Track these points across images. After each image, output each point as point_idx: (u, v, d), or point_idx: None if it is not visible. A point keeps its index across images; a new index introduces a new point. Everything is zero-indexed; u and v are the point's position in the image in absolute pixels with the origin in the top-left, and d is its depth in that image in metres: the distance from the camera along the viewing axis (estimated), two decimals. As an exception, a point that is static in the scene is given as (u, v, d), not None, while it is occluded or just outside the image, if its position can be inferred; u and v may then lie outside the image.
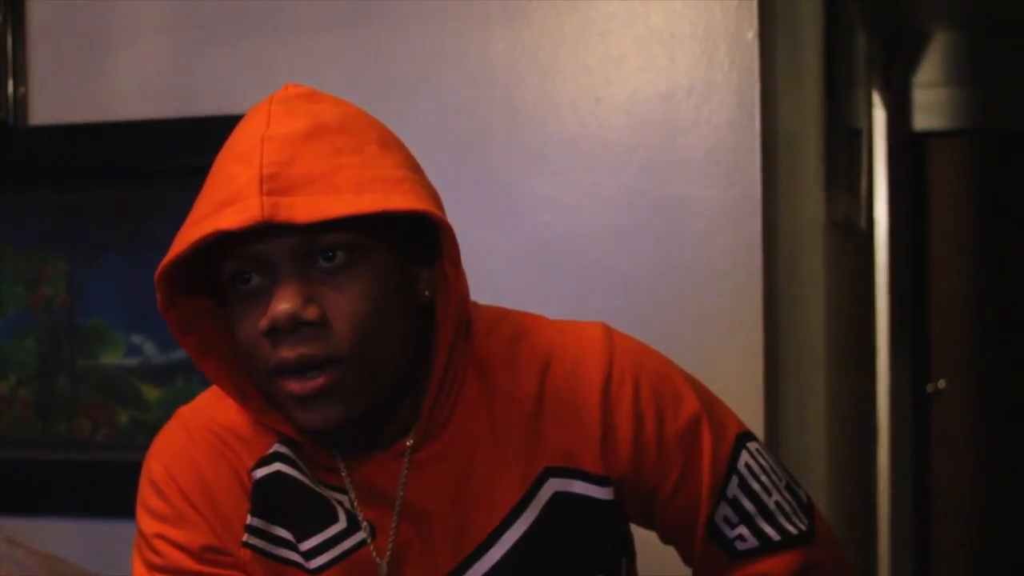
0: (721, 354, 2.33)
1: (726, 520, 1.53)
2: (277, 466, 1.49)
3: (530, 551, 1.48)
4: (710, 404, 1.56)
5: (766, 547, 1.54)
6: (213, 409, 1.54)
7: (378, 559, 1.47)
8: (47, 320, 2.94)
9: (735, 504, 1.53)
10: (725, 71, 2.40)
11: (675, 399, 1.52)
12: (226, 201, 1.29)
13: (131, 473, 2.74)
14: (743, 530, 1.53)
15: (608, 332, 1.53)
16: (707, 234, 2.39)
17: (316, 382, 1.32)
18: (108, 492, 2.81)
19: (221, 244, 1.32)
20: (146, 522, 1.54)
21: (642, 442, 1.49)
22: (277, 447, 1.50)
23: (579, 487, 1.48)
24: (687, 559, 1.60)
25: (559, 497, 1.48)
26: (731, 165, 2.39)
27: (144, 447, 2.77)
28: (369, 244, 1.34)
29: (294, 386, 1.33)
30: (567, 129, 2.46)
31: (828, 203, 2.90)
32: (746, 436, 1.57)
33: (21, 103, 2.80)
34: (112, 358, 2.90)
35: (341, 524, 1.48)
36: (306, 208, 1.28)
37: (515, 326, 1.53)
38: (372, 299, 1.34)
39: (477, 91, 2.51)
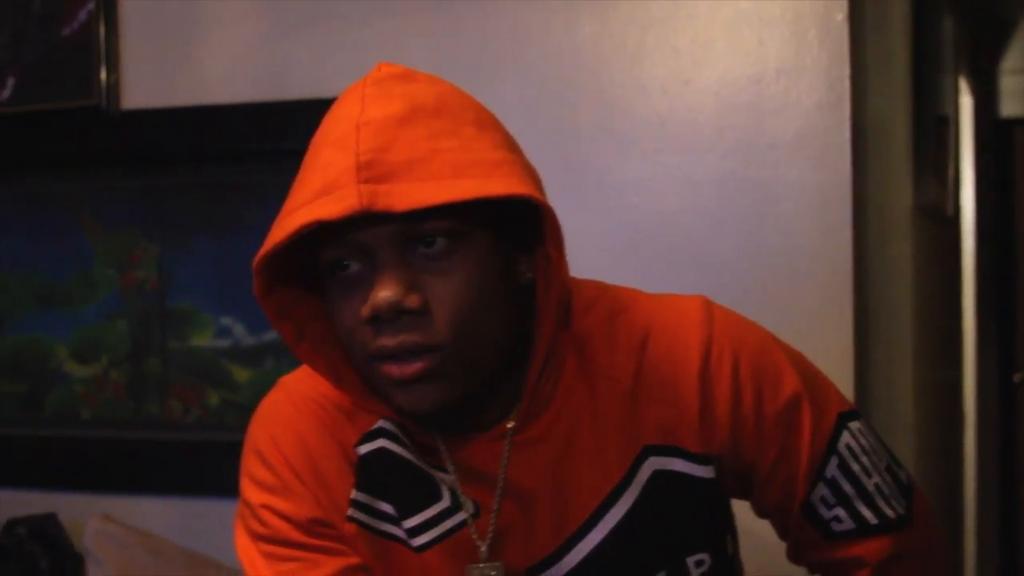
0: (810, 337, 2.31)
1: (823, 500, 1.51)
2: (381, 442, 1.48)
3: (632, 531, 1.47)
4: (812, 381, 1.53)
5: (862, 530, 1.52)
6: (317, 380, 1.50)
7: (478, 541, 1.47)
8: (139, 302, 2.98)
9: (833, 485, 1.50)
10: (814, 53, 2.39)
11: (775, 376, 1.49)
12: (323, 189, 1.28)
13: (221, 453, 2.80)
14: (840, 511, 1.51)
15: (707, 306, 1.50)
16: (796, 217, 2.39)
17: (415, 367, 1.31)
18: (199, 471, 2.86)
19: (318, 232, 1.30)
20: (251, 492, 1.54)
21: (740, 419, 1.46)
22: (382, 423, 1.48)
23: (679, 465, 1.47)
24: (782, 534, 1.59)
25: (659, 475, 1.47)
26: (820, 148, 2.38)
27: (234, 428, 2.84)
28: (469, 229, 1.32)
29: (393, 370, 1.32)
30: (656, 112, 2.46)
31: (916, 189, 2.87)
32: (848, 415, 1.54)
33: (114, 88, 2.84)
34: (202, 340, 2.94)
35: (445, 502, 1.47)
36: (404, 196, 1.26)
37: (613, 301, 1.51)
38: (473, 285, 1.33)
39: (565, 74, 2.52)
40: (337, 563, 1.49)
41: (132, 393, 3.00)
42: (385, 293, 1.29)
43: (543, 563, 1.47)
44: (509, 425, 1.44)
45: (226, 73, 2.78)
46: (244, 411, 2.87)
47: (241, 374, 2.92)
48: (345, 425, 1.50)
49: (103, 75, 2.83)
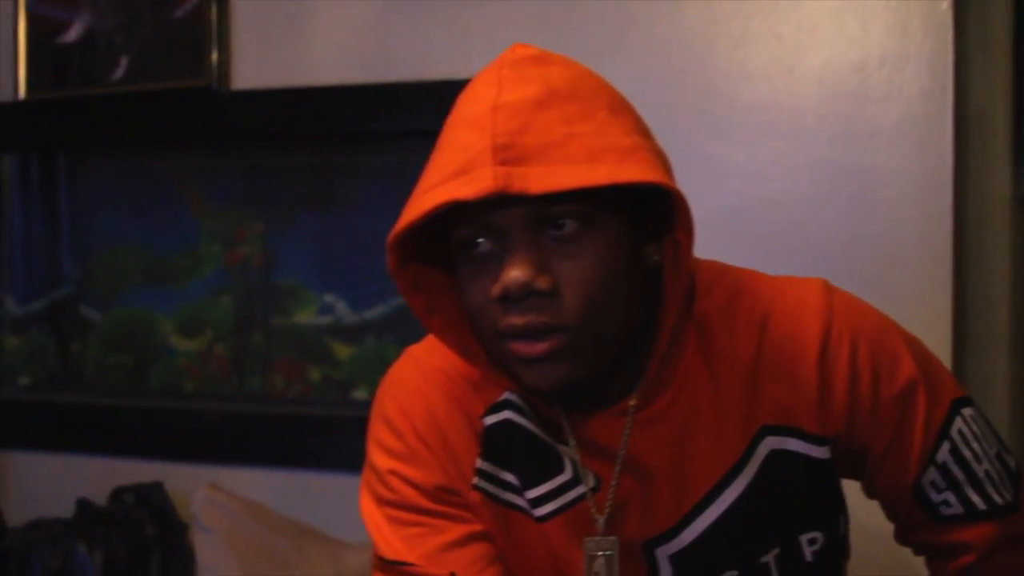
0: (908, 324, 2.32)
1: (933, 484, 1.52)
2: (507, 414, 1.52)
3: (747, 508, 1.49)
4: (927, 366, 1.53)
5: (970, 515, 1.52)
6: (444, 352, 1.52)
7: (596, 514, 1.50)
8: (243, 279, 3.05)
9: (944, 470, 1.51)
10: (918, 41, 2.40)
11: (892, 361, 1.50)
12: (459, 170, 1.30)
13: (322, 427, 2.86)
14: (949, 496, 1.52)
15: (828, 290, 1.52)
16: (897, 204, 2.39)
17: (543, 346, 1.33)
18: (300, 445, 2.91)
19: (452, 210, 1.33)
20: (379, 458, 1.57)
21: (857, 402, 1.48)
22: (507, 395, 1.51)
23: (795, 445, 1.49)
24: (890, 515, 1.60)
25: (776, 455, 1.49)
26: (922, 136, 2.39)
27: (335, 403, 2.89)
28: (599, 213, 1.34)
29: (521, 348, 1.34)
30: (759, 98, 2.48)
31: (1016, 178, 2.87)
32: (962, 401, 1.54)
33: (224, 69, 2.90)
34: (305, 316, 3.00)
35: (567, 475, 1.50)
36: (539, 179, 1.28)
37: (734, 283, 1.53)
38: (602, 268, 1.34)
39: (669, 60, 2.54)
40: (461, 530, 1.53)
41: (235, 367, 3.06)
42: (515, 273, 1.31)
43: (660, 538, 1.50)
44: (631, 403, 1.47)
45: (333, 55, 2.83)
46: (344, 387, 2.93)
47: (342, 351, 2.97)
48: (472, 396, 1.54)
49: (214, 56, 2.89)
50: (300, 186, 3.03)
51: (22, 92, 3.04)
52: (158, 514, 2.80)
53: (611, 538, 1.49)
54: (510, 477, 1.52)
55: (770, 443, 1.48)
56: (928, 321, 2.35)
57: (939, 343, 2.33)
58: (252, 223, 3.04)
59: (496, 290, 1.33)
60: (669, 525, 1.50)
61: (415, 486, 1.54)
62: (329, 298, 2.98)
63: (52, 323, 3.26)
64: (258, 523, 2.58)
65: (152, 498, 2.82)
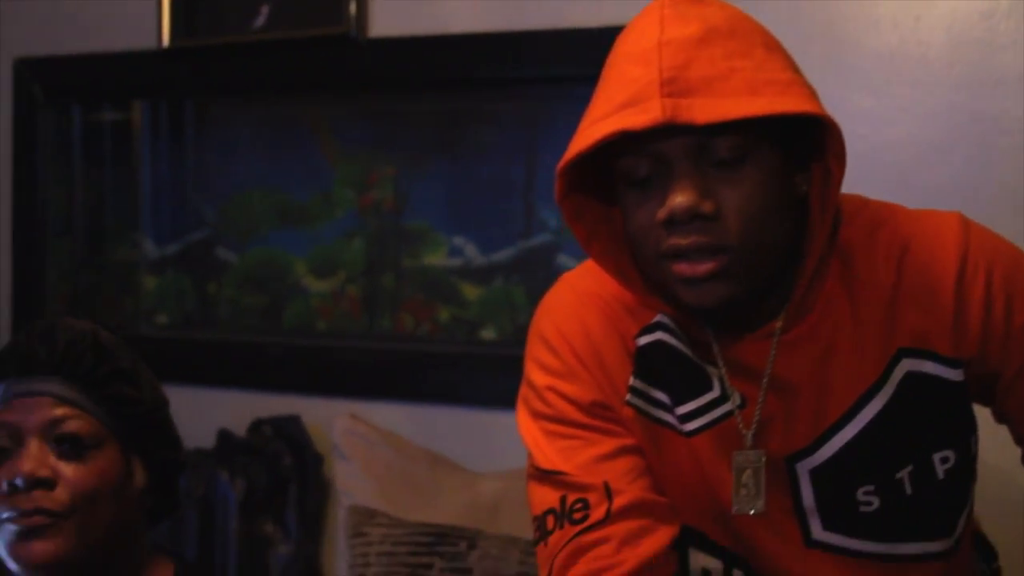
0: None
1: None
2: (659, 335, 1.61)
3: (884, 426, 1.56)
4: None
5: None
6: (598, 277, 1.63)
7: (743, 429, 1.58)
8: (375, 222, 3.14)
9: None
10: (1047, -11, 2.42)
11: None
12: (628, 102, 1.40)
13: (451, 364, 2.94)
14: None
15: (965, 221, 1.59)
16: (1021, 150, 2.42)
17: (705, 266, 1.43)
18: (430, 381, 3.00)
19: (618, 141, 1.42)
20: (537, 375, 1.66)
21: (990, 328, 1.54)
22: (660, 317, 1.61)
23: (930, 367, 1.56)
24: (1019, 439, 1.65)
25: (912, 376, 1.56)
26: (1049, 84, 2.42)
27: (463, 342, 2.97)
28: (758, 143, 1.43)
29: (684, 268, 1.44)
30: (886, 45, 2.52)
31: None
32: None
33: (362, 17, 2.98)
34: (435, 258, 3.08)
35: (715, 392, 1.59)
36: (704, 110, 1.37)
37: (875, 213, 1.61)
38: (760, 195, 1.43)
39: (797, 6, 2.57)
40: (614, 443, 1.61)
41: (366, 307, 3.16)
42: (681, 199, 1.41)
43: (800, 453, 1.58)
44: (777, 325, 1.55)
45: (468, 3, 2.90)
46: (472, 327, 3.02)
47: (471, 292, 3.05)
48: (625, 318, 1.63)
49: (352, 5, 2.96)
50: (431, 132, 3.12)
51: (166, 40, 3.15)
52: (295, 445, 2.91)
53: (760, 451, 1.58)
54: (661, 395, 1.61)
55: (906, 365, 1.55)
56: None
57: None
58: (384, 167, 3.13)
59: (662, 214, 1.42)
60: (809, 441, 1.57)
61: (571, 401, 1.63)
62: (458, 240, 3.06)
63: (189, 265, 3.38)
64: (395, 452, 2.68)
65: (289, 430, 2.93)
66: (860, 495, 1.58)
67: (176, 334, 3.37)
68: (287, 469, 2.88)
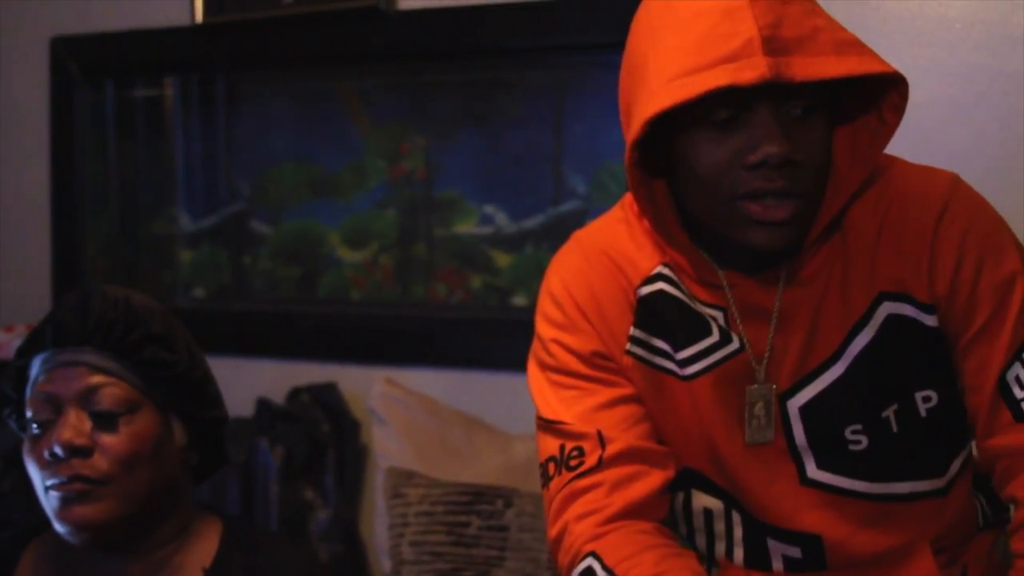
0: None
1: (1018, 380, 1.61)
2: (660, 285, 1.70)
3: (869, 365, 1.64)
4: None
5: None
6: (607, 234, 1.76)
7: (756, 365, 1.66)
8: (406, 192, 3.19)
9: None
10: (1067, -52, 2.44)
11: (999, 251, 1.63)
12: (728, 57, 1.47)
13: (484, 330, 2.98)
14: None
15: (955, 180, 1.67)
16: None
17: (784, 212, 1.52)
18: (463, 347, 3.06)
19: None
20: (544, 328, 1.77)
21: (958, 282, 1.62)
22: (661, 268, 1.70)
23: (909, 311, 1.64)
24: (973, 417, 1.68)
25: (892, 318, 1.64)
26: (1070, 41, 2.44)
27: (495, 308, 3.01)
28: (827, 98, 1.54)
29: (757, 209, 1.53)
30: (907, 7, 2.54)
31: None
32: None
33: (391, -11, 3.02)
34: (466, 227, 3.13)
35: (714, 337, 1.68)
36: (804, 68, 1.46)
37: (917, 178, 1.68)
38: (826, 145, 1.56)
39: (819, -28, 2.60)
40: (612, 392, 1.72)
41: (399, 277, 3.21)
42: (777, 147, 1.50)
43: (793, 388, 1.67)
44: (784, 269, 1.65)
45: (494, -26, 2.94)
46: (504, 294, 3.07)
47: (502, 259, 3.11)
48: (629, 272, 1.72)
49: (382, -23, 3.00)
50: (461, 102, 3.16)
51: (199, 17, 3.19)
52: (332, 412, 2.96)
53: (769, 384, 1.67)
54: (661, 343, 1.70)
55: (888, 307, 1.64)
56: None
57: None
58: (415, 138, 3.18)
59: (755, 157, 1.51)
60: (801, 376, 1.67)
61: (573, 352, 1.73)
62: (489, 209, 3.11)
63: (224, 238, 3.44)
64: (431, 415, 2.73)
65: (326, 397, 2.99)
66: (848, 434, 1.67)
67: (212, 306, 3.43)
68: (325, 436, 2.93)
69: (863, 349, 1.64)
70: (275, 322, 3.28)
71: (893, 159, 1.70)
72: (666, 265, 1.70)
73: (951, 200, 1.63)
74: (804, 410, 1.67)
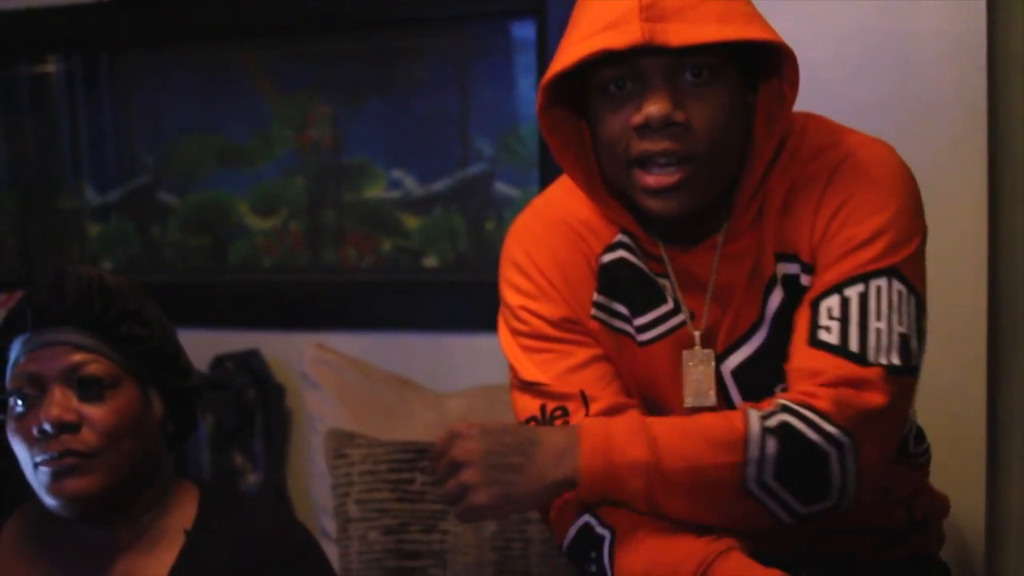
0: (948, 173, 2.52)
1: (828, 310, 1.66)
2: (620, 252, 1.80)
3: (787, 323, 1.72)
4: (905, 238, 1.69)
5: (840, 350, 1.63)
6: (565, 202, 1.85)
7: (695, 331, 1.77)
8: (314, 159, 3.25)
9: (844, 304, 1.65)
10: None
11: (873, 211, 1.67)
12: (609, 24, 1.59)
13: (395, 292, 3.05)
14: (833, 324, 1.65)
15: (853, 149, 1.73)
16: (935, 65, 2.57)
17: (672, 177, 1.63)
18: (375, 310, 3.14)
19: (597, 60, 1.61)
20: (511, 296, 1.85)
21: (823, 243, 1.69)
22: (620, 236, 1.80)
23: (794, 269, 1.72)
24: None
25: (787, 278, 1.73)
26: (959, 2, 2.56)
27: (406, 270, 3.08)
28: (725, 66, 1.64)
29: (649, 179, 1.64)
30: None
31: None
32: (900, 276, 1.67)
33: (291, -40, 3.07)
34: (375, 192, 3.21)
35: (668, 305, 1.78)
36: (679, 33, 1.57)
37: (821, 138, 1.76)
38: (725, 110, 1.64)
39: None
40: (586, 353, 1.80)
41: (309, 243, 3.28)
42: (656, 107, 1.61)
43: (725, 352, 1.77)
44: (719, 239, 1.75)
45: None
46: (415, 256, 3.14)
47: (411, 222, 3.19)
48: (589, 238, 1.82)
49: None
50: (366, 70, 3.23)
51: (101, -9, 3.20)
52: (258, 378, 3.02)
53: (708, 350, 1.77)
54: (621, 307, 1.81)
55: (782, 267, 1.74)
56: (964, 170, 2.54)
57: (975, 188, 2.53)
58: (321, 106, 3.24)
59: (638, 119, 1.62)
60: (731, 341, 1.77)
61: (543, 318, 1.82)
62: (397, 173, 3.19)
63: (132, 210, 3.47)
64: (364, 377, 2.80)
65: (251, 364, 3.04)
66: (777, 392, 1.71)
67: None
68: (252, 402, 2.99)
69: (776, 310, 1.74)
70: (190, 292, 3.31)
71: (821, 122, 1.79)
72: (625, 232, 1.79)
73: (839, 168, 1.70)
74: (736, 373, 1.77)
